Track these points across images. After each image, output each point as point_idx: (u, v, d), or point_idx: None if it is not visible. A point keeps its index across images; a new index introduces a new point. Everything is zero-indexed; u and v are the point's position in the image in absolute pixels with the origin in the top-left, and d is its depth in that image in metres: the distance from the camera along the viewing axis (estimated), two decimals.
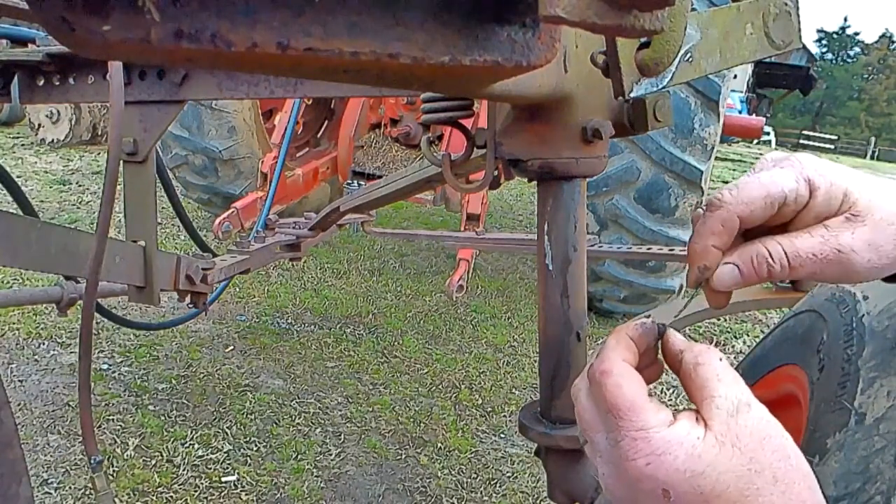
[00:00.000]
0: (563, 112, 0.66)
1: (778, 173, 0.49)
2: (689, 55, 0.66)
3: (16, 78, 1.36)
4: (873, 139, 43.35)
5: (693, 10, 0.59)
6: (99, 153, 7.56)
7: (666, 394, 3.10)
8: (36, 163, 6.90)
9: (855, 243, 0.49)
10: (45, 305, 2.86)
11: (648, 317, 0.53)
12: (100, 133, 8.05)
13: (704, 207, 0.53)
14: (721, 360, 0.46)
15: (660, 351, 0.51)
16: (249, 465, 2.33)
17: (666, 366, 0.51)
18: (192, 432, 2.47)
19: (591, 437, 0.48)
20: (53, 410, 2.50)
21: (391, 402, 2.86)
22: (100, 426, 2.41)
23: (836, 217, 0.50)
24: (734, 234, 0.51)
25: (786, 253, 0.50)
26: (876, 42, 63.70)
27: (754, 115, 17.30)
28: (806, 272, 0.50)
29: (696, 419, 0.44)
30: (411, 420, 2.73)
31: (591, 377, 0.47)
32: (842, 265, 0.49)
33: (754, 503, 0.41)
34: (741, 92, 19.14)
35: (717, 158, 3.78)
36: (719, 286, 0.52)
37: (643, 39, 0.56)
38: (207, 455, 2.35)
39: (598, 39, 0.64)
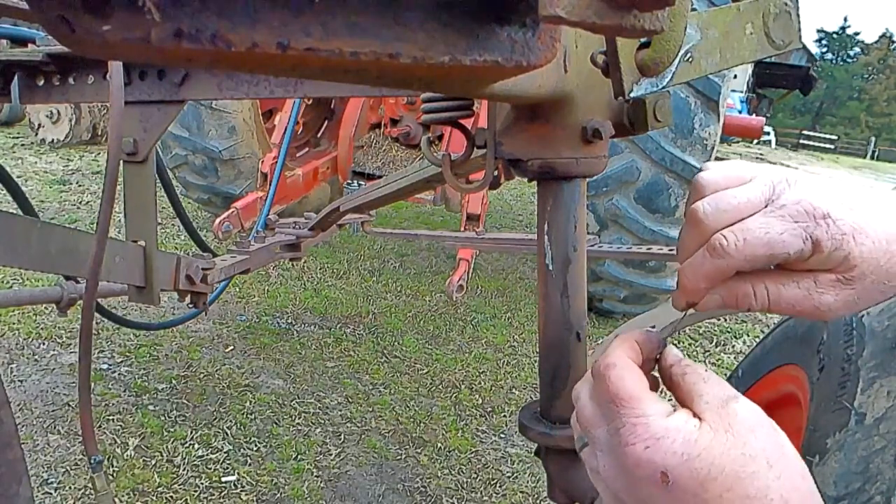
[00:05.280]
0: (563, 112, 0.66)
1: (788, 230, 0.48)
2: (689, 55, 0.66)
3: (16, 78, 1.36)
4: (873, 139, 43.30)
5: (693, 10, 0.59)
6: (99, 153, 7.56)
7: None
8: (36, 163, 6.89)
9: (835, 304, 0.50)
10: (45, 305, 2.86)
11: (654, 327, 0.54)
12: (100, 133, 8.05)
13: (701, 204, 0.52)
14: (706, 370, 0.49)
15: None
16: (249, 465, 2.33)
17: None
18: (192, 432, 2.47)
19: (591, 434, 0.50)
20: (53, 410, 2.50)
21: (391, 402, 2.86)
22: (100, 426, 2.41)
23: (828, 274, 0.50)
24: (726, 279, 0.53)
25: (769, 298, 0.51)
26: (876, 42, 63.62)
27: (754, 115, 17.29)
28: (779, 312, 0.53)
29: (693, 415, 0.46)
30: (411, 420, 2.73)
31: (595, 372, 0.50)
32: (813, 315, 0.52)
33: (749, 486, 0.43)
34: (741, 92, 19.13)
35: (717, 158, 3.77)
36: (701, 310, 0.55)
37: (643, 39, 0.56)
38: (207, 455, 2.35)
39: (598, 39, 0.64)
